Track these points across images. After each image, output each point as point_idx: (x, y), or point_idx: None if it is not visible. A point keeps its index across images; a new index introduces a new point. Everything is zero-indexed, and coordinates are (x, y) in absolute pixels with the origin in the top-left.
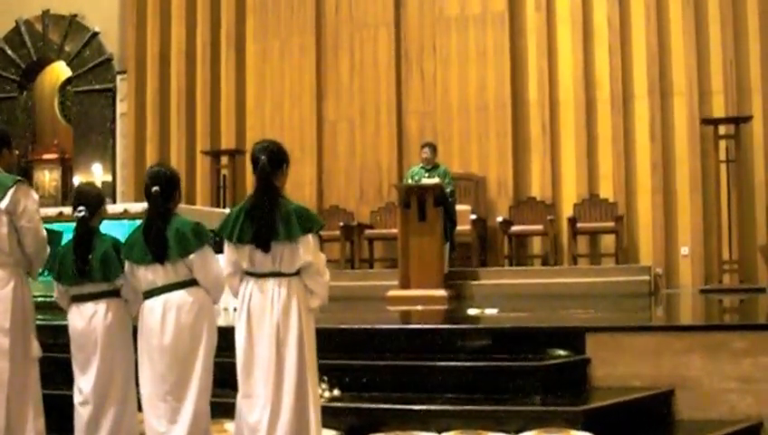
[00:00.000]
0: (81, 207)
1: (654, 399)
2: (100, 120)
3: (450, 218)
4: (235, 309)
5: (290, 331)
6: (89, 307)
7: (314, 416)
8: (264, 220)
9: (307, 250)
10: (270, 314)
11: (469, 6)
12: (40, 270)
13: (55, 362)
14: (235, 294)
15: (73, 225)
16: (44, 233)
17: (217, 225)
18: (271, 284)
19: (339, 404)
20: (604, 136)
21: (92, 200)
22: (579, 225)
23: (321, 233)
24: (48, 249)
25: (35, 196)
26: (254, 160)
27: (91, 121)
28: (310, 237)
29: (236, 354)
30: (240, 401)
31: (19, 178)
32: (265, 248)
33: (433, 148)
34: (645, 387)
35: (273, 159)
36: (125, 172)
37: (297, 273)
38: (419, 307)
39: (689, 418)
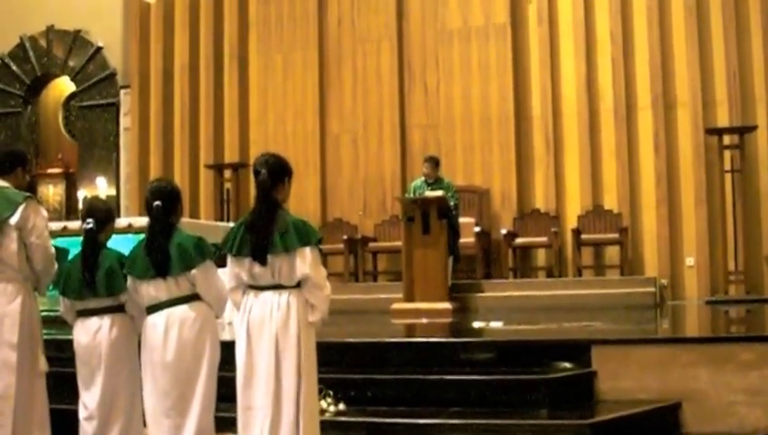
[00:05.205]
0: (89, 220)
1: (661, 412)
2: (104, 135)
3: (454, 230)
4: (230, 323)
5: (289, 343)
6: (93, 322)
7: (312, 429)
8: (262, 233)
9: (304, 263)
10: (269, 326)
11: (471, 19)
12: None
13: (60, 377)
14: (239, 308)
15: (78, 240)
16: (53, 250)
17: (222, 239)
18: (270, 296)
19: (344, 418)
20: (608, 148)
21: (101, 215)
22: (583, 236)
23: (325, 246)
24: (56, 266)
25: (45, 213)
26: (255, 173)
27: (94, 136)
28: (308, 250)
29: (237, 366)
30: (240, 412)
31: (28, 194)
32: (262, 261)
33: (434, 162)
34: (651, 400)
35: (273, 173)
36: (129, 186)
37: (297, 285)
38: (424, 320)
39: (697, 431)
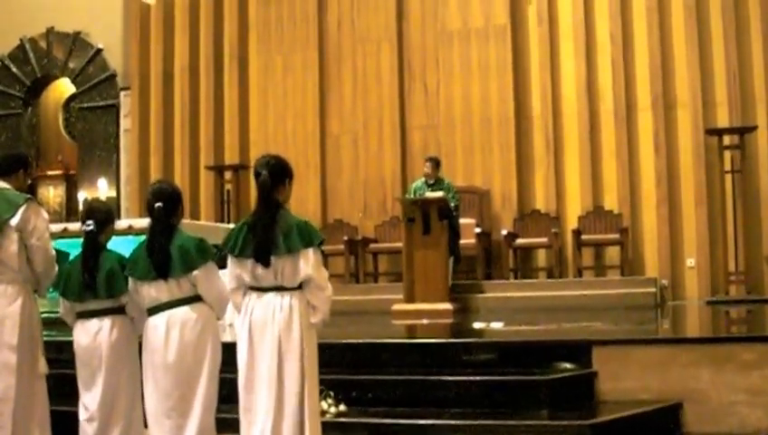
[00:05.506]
0: (89, 221)
1: (662, 412)
2: (105, 136)
3: (454, 231)
4: (231, 325)
5: (291, 344)
6: (93, 324)
7: (316, 430)
8: (264, 235)
9: (307, 264)
10: (271, 328)
11: (471, 20)
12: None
13: (61, 378)
14: (239, 310)
15: (79, 241)
16: (53, 252)
17: (222, 239)
18: (272, 297)
19: (345, 419)
20: (608, 148)
21: (102, 216)
22: (583, 237)
23: (326, 247)
24: (56, 268)
25: (45, 215)
26: (256, 175)
27: (95, 137)
28: (310, 251)
29: (238, 367)
30: (241, 414)
31: (29, 196)
32: (265, 262)
33: (435, 162)
34: (652, 400)
35: (274, 174)
36: (129, 188)
37: (299, 287)
38: (425, 321)
39: (698, 431)
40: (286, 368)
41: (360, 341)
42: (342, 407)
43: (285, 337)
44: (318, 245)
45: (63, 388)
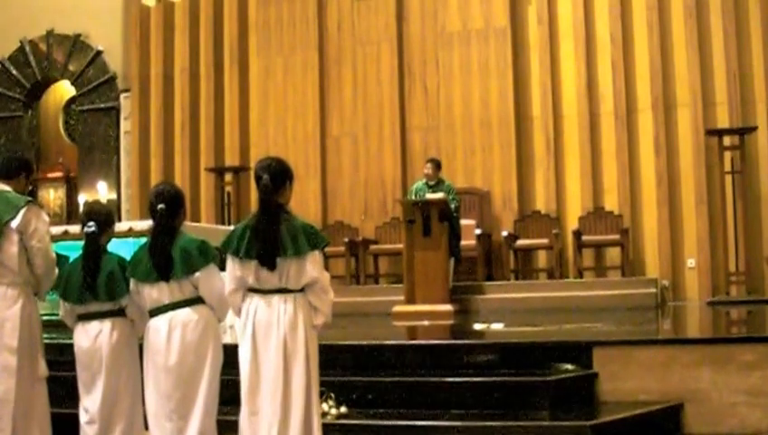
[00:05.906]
0: (90, 223)
1: (662, 413)
2: (105, 139)
3: (454, 233)
4: (231, 327)
5: (297, 347)
6: (94, 326)
7: (320, 432)
8: (270, 238)
9: (314, 266)
10: (276, 330)
11: (471, 21)
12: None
13: (61, 381)
14: (237, 311)
15: (79, 244)
16: (54, 254)
17: (222, 241)
18: (276, 300)
19: (346, 421)
20: (608, 149)
21: (102, 218)
22: (584, 238)
23: (327, 249)
24: (56, 271)
25: (46, 217)
26: (257, 178)
27: (95, 140)
28: (317, 254)
29: (241, 371)
30: (245, 418)
31: (30, 198)
32: (271, 265)
33: (436, 164)
34: (653, 401)
35: (275, 177)
36: (129, 190)
37: (302, 290)
38: (425, 322)
39: (698, 432)
40: (293, 370)
41: (361, 342)
42: (343, 409)
43: (291, 339)
44: (322, 248)
45: (64, 391)
